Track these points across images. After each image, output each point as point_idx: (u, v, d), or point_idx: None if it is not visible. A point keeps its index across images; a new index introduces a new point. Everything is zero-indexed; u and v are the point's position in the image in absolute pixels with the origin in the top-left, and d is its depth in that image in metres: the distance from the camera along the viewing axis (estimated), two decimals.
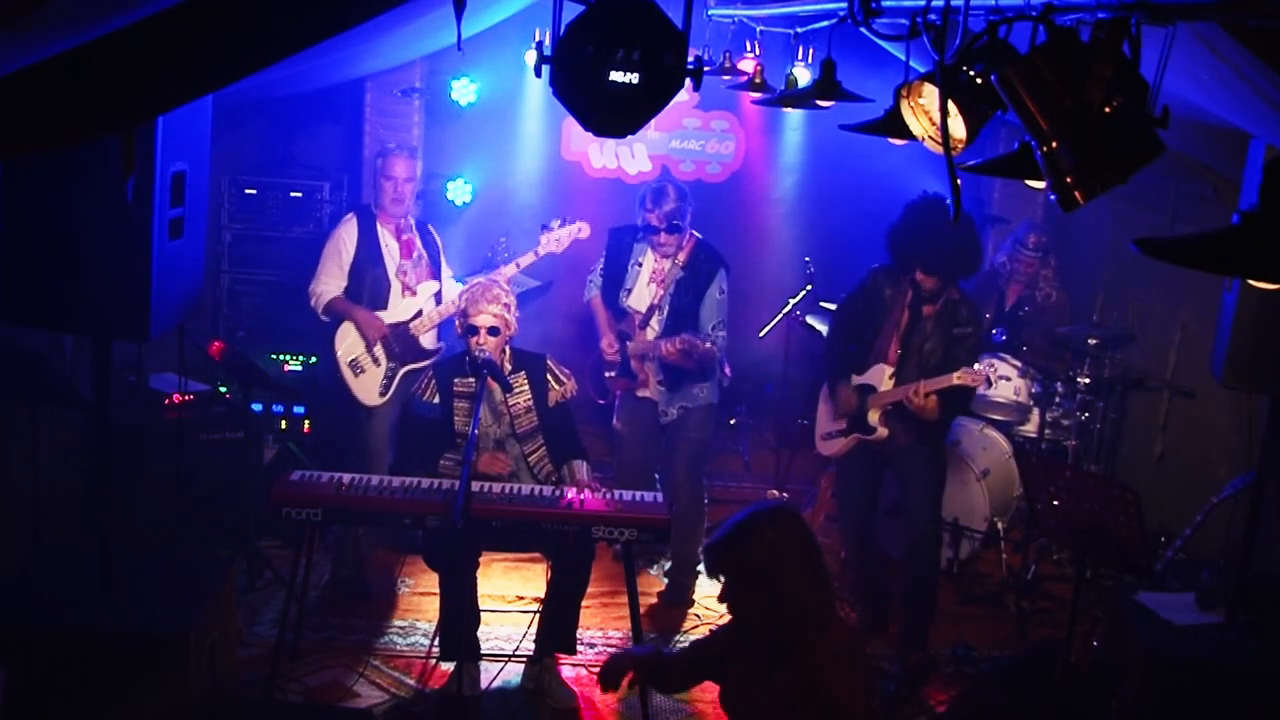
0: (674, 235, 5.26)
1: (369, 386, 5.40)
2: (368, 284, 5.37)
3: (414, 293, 5.45)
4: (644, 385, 5.46)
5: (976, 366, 4.67)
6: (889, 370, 4.87)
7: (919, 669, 4.81)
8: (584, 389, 5.68)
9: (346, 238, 5.38)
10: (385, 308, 5.39)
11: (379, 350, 5.38)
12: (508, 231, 6.91)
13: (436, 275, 5.52)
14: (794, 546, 2.88)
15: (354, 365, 5.38)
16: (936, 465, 5.00)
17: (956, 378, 4.64)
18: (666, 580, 5.67)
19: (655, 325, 5.39)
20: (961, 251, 4.70)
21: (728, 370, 5.61)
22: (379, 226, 5.42)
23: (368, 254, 5.37)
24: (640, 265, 5.43)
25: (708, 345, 5.16)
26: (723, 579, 2.94)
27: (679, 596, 5.52)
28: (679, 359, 5.22)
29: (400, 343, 5.42)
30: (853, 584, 5.55)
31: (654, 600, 5.56)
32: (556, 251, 5.45)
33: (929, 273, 4.73)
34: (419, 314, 5.43)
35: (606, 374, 5.56)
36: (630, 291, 5.45)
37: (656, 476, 5.73)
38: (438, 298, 5.51)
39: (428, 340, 5.48)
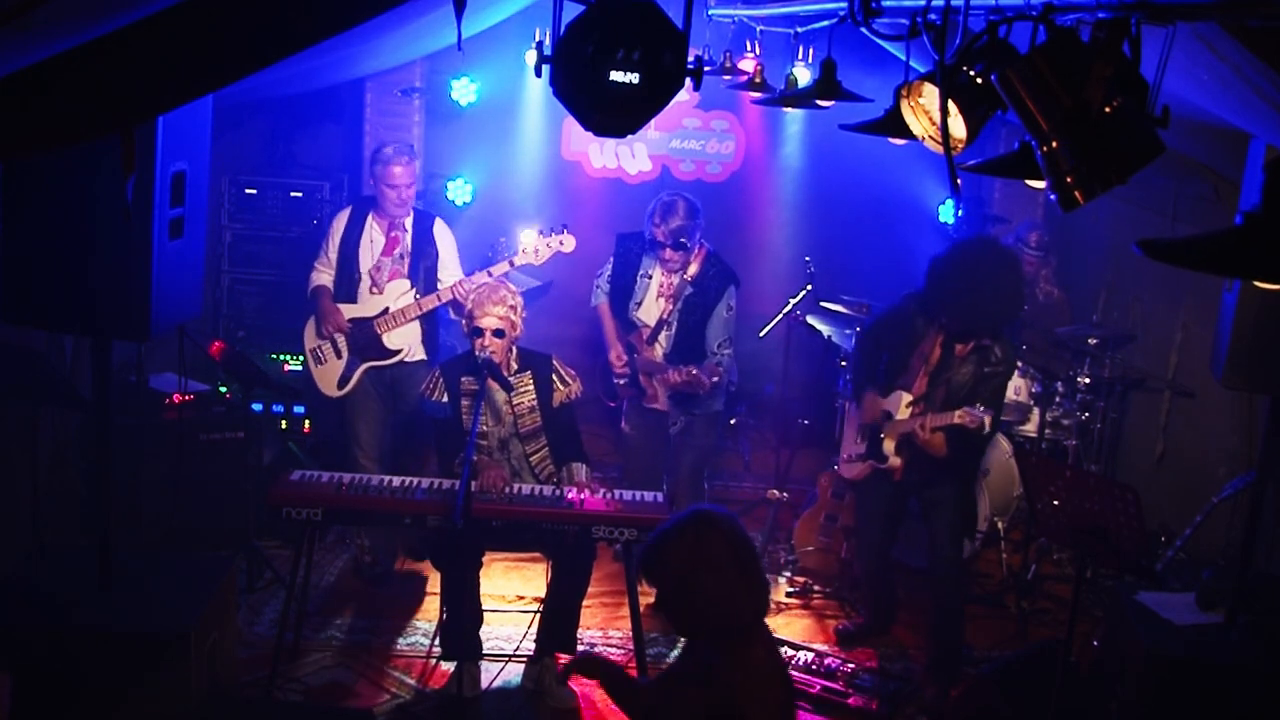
0: (679, 253, 5.21)
1: (328, 377, 5.49)
2: (344, 275, 5.46)
3: (381, 290, 5.44)
4: (653, 398, 5.44)
5: (979, 408, 4.49)
6: (907, 398, 4.72)
7: (930, 701, 4.78)
8: (595, 391, 5.70)
9: (337, 227, 5.50)
10: (355, 301, 5.44)
11: (341, 343, 5.45)
12: (507, 232, 6.91)
13: (414, 276, 5.45)
14: (718, 557, 2.73)
15: (315, 354, 5.52)
16: (962, 504, 4.86)
17: (957, 416, 4.49)
18: None
19: (663, 341, 5.37)
20: (1001, 312, 4.57)
21: (734, 376, 5.60)
22: (370, 220, 5.46)
23: (349, 245, 5.44)
24: (649, 278, 5.39)
25: (713, 380, 5.09)
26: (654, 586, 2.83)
27: None
28: (683, 389, 5.20)
29: (362, 338, 5.43)
30: (855, 585, 5.56)
31: (651, 600, 5.54)
32: (535, 263, 5.41)
33: (963, 325, 4.61)
34: (385, 312, 5.43)
35: (617, 380, 5.55)
36: (640, 305, 5.41)
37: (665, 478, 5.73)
38: (426, 286, 5.48)
39: (392, 340, 5.45)
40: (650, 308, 5.39)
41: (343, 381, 5.47)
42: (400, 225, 5.47)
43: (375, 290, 5.43)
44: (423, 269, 5.47)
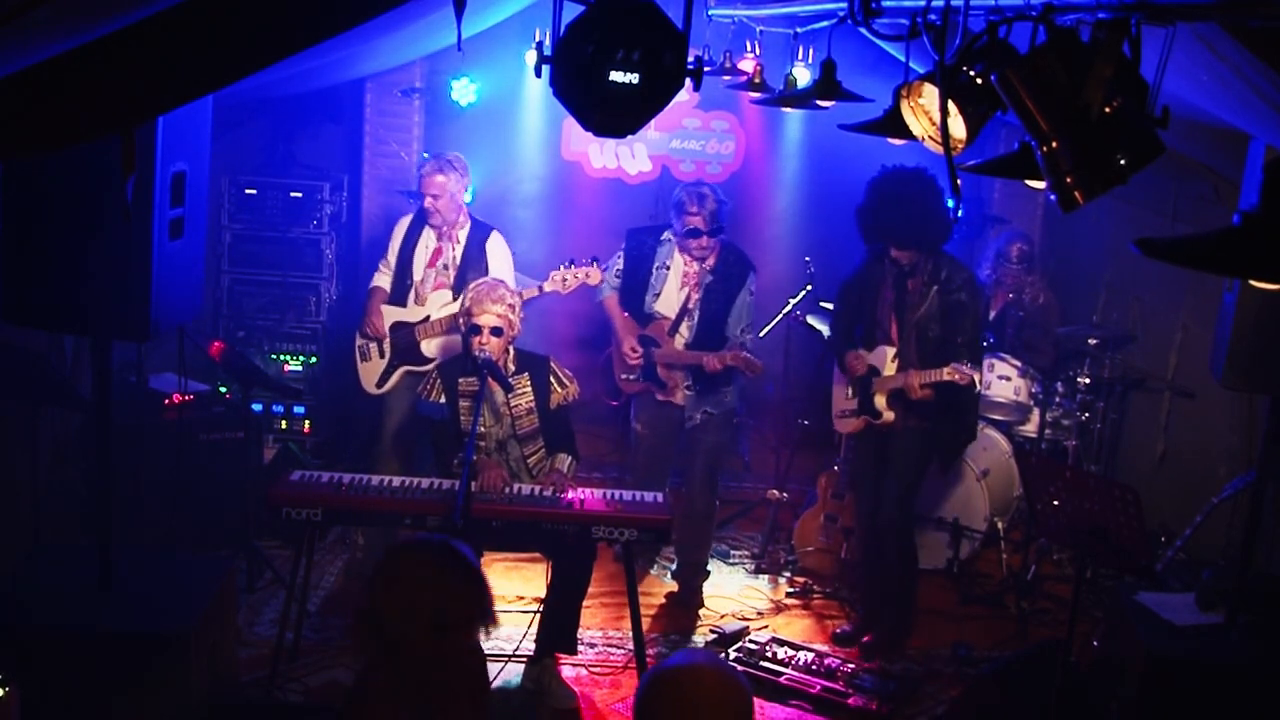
0: (714, 238, 5.23)
1: (369, 375, 5.60)
2: (400, 280, 5.58)
3: (422, 300, 5.52)
4: (672, 391, 5.38)
5: (966, 365, 4.65)
6: (891, 352, 4.88)
7: (905, 684, 4.80)
8: (596, 390, 5.66)
9: (398, 233, 5.63)
10: (404, 306, 5.55)
11: (384, 344, 5.56)
12: (508, 232, 6.89)
13: (459, 287, 5.42)
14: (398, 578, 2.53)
15: (361, 351, 5.63)
16: (918, 456, 4.97)
17: (946, 373, 4.65)
18: (677, 582, 5.61)
19: (685, 332, 5.33)
20: (924, 219, 4.72)
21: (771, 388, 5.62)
22: (426, 228, 5.54)
23: (405, 251, 5.56)
24: (668, 268, 5.36)
25: (760, 365, 5.17)
26: None
27: (689, 598, 5.50)
28: (722, 372, 5.20)
29: (403, 342, 5.51)
30: (854, 582, 5.56)
31: (658, 600, 5.54)
32: (561, 292, 5.46)
33: (900, 247, 4.78)
34: (426, 319, 5.49)
35: (623, 376, 5.47)
36: (659, 296, 5.37)
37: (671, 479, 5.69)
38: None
39: (428, 348, 5.50)
40: (670, 298, 5.35)
41: (381, 381, 5.57)
42: (450, 236, 5.51)
43: (418, 299, 5.53)
44: (469, 281, 5.46)
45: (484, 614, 2.55)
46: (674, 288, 5.35)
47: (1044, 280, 6.57)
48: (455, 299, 5.45)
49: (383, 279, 5.62)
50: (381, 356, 5.56)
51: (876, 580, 5.23)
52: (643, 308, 5.41)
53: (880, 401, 4.93)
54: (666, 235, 5.39)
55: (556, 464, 4.72)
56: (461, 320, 4.69)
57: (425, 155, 5.56)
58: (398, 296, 5.56)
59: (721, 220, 5.22)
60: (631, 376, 5.46)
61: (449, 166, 5.43)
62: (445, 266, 5.52)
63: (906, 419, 4.91)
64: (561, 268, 5.44)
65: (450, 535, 3.12)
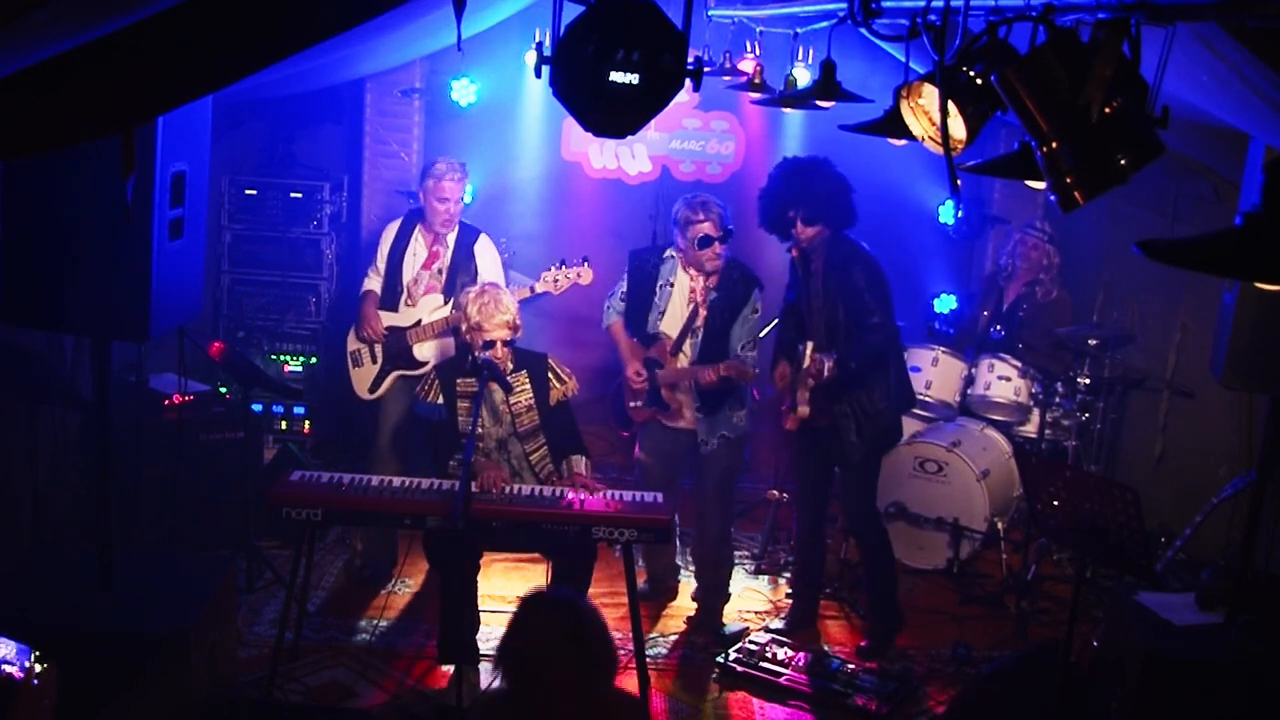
0: (724, 245, 5.09)
1: (362, 380, 5.59)
2: (390, 284, 5.56)
3: (415, 303, 5.51)
4: (677, 415, 5.24)
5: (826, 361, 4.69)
6: (811, 346, 4.81)
7: (905, 684, 4.81)
8: (606, 421, 5.63)
9: (386, 237, 5.63)
10: (396, 310, 5.53)
11: (377, 348, 5.54)
12: (507, 233, 6.91)
13: (450, 291, 5.46)
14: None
15: (354, 356, 5.61)
16: (845, 456, 4.97)
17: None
18: (695, 602, 5.46)
19: (688, 351, 5.17)
20: (826, 188, 4.80)
21: (756, 394, 5.53)
22: (417, 232, 5.54)
23: (395, 256, 5.55)
24: (671, 286, 5.21)
25: (754, 371, 5.06)
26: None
27: (707, 620, 5.35)
28: (719, 385, 5.04)
29: (396, 346, 5.50)
30: (855, 585, 5.56)
31: (670, 612, 5.50)
32: (553, 293, 5.49)
33: (806, 221, 4.84)
34: (418, 323, 5.48)
35: (631, 404, 5.31)
36: (664, 314, 5.22)
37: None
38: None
39: (421, 351, 5.50)
40: (675, 317, 5.20)
41: (374, 386, 5.55)
42: (442, 240, 5.52)
43: (410, 302, 5.51)
44: (459, 285, 5.44)
45: (600, 667, 2.99)
46: (678, 305, 5.21)
47: (1060, 276, 6.55)
48: (446, 302, 5.47)
49: (373, 283, 5.60)
50: (374, 361, 5.54)
51: (804, 574, 5.36)
52: (647, 328, 5.25)
53: (801, 396, 4.90)
54: (669, 253, 5.25)
55: (574, 467, 4.70)
56: (471, 337, 4.66)
57: (441, 166, 5.45)
58: (388, 301, 5.54)
59: (728, 224, 5.10)
60: (639, 404, 5.29)
61: (463, 171, 5.49)
62: (439, 270, 5.52)
63: (820, 416, 4.91)
64: (553, 269, 5.44)
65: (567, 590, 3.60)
